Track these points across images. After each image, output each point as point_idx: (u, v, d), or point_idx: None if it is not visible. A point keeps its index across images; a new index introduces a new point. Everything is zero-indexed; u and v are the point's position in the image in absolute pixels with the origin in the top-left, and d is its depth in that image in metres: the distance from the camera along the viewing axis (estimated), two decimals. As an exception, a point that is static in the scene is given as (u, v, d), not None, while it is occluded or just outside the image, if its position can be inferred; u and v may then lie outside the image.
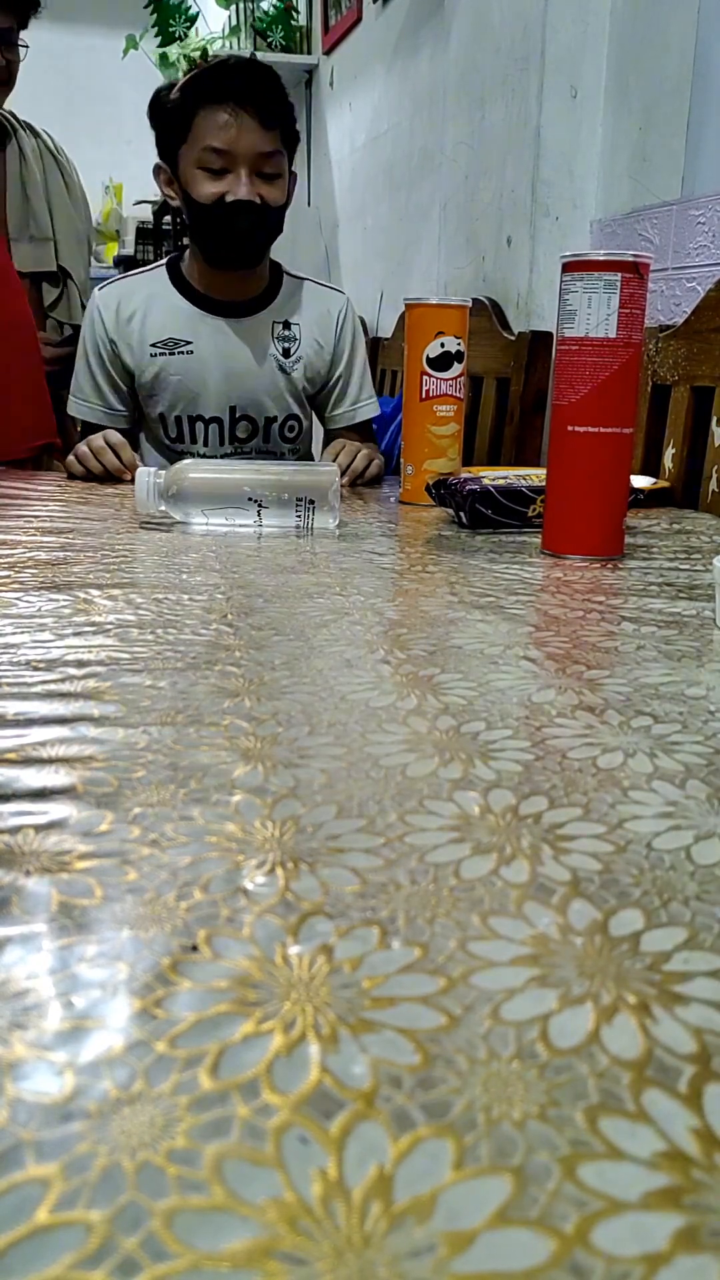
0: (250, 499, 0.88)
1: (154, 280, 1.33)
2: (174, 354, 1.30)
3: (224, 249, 1.24)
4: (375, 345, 2.17)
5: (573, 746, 0.38)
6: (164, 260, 1.35)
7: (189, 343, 1.30)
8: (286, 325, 1.34)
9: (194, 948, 0.25)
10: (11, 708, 0.41)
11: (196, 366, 1.30)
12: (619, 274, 0.72)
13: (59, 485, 1.14)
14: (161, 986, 0.23)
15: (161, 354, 1.30)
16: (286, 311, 1.34)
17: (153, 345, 1.30)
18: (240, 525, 0.88)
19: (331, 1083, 0.20)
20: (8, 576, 0.65)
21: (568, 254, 0.75)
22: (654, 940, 0.25)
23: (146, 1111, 0.19)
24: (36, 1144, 0.18)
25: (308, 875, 0.28)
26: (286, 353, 1.33)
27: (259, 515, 0.88)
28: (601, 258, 0.73)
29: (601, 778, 0.35)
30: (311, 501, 0.87)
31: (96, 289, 1.35)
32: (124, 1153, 0.18)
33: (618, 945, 0.25)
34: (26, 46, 1.57)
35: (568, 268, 0.74)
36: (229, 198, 1.18)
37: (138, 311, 1.31)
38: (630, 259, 0.72)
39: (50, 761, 0.35)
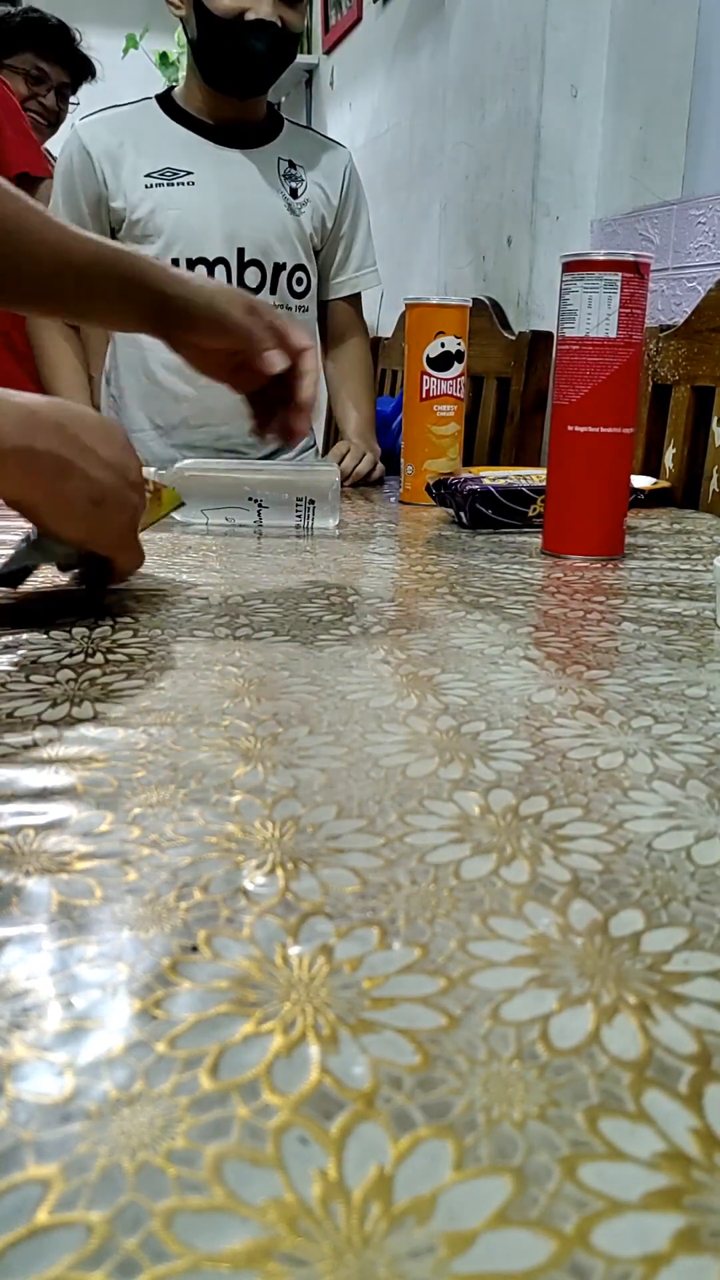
0: (250, 498, 0.88)
1: (143, 111, 1.23)
2: (173, 184, 1.20)
3: (239, 70, 1.16)
4: (376, 345, 2.17)
5: (573, 747, 0.38)
6: (150, 95, 1.26)
7: (189, 172, 1.20)
8: (293, 165, 1.26)
9: (194, 948, 0.24)
10: (10, 708, 0.41)
11: (198, 199, 1.20)
12: (619, 274, 0.72)
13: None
14: (161, 987, 0.23)
15: (159, 184, 1.20)
16: (292, 152, 1.26)
17: (147, 175, 1.19)
18: (240, 525, 0.88)
19: (331, 1083, 0.20)
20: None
21: (568, 254, 0.75)
22: (654, 941, 0.25)
23: (146, 1112, 0.19)
24: (36, 1144, 0.18)
25: (308, 875, 0.28)
26: (294, 193, 1.25)
27: (259, 515, 0.88)
28: (602, 257, 0.73)
29: (602, 778, 0.35)
30: (312, 501, 0.87)
31: (77, 121, 1.25)
32: (124, 1153, 0.18)
33: (618, 945, 0.25)
34: (77, 104, 1.76)
35: (568, 267, 0.74)
36: (250, 15, 1.11)
37: (128, 140, 1.20)
38: (630, 259, 0.72)
39: (50, 762, 0.35)
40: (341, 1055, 0.21)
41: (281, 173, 1.25)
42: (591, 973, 0.24)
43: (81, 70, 1.98)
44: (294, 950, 0.25)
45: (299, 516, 0.87)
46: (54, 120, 1.99)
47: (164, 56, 2.92)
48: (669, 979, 0.24)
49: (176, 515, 0.88)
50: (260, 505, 0.88)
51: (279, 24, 1.13)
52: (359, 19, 2.48)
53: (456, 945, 0.25)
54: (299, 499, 0.87)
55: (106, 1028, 0.22)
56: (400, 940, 0.25)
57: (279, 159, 1.26)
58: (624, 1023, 0.22)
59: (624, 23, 1.38)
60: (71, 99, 2.01)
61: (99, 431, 0.53)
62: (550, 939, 0.25)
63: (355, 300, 1.39)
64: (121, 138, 1.21)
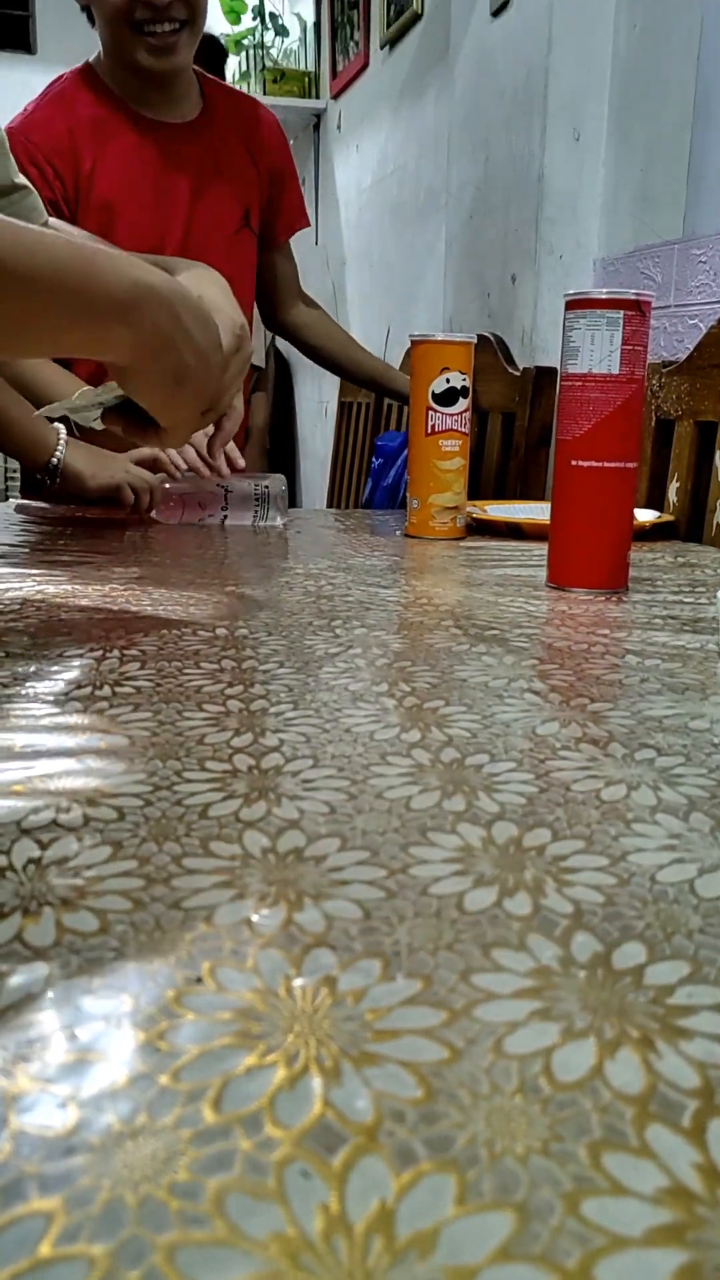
0: (220, 485, 1.09)
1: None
2: None
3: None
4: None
5: (576, 779, 0.38)
6: None
7: None
8: None
9: (198, 979, 0.25)
10: (19, 740, 0.41)
11: None
12: (621, 312, 0.73)
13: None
14: (165, 1019, 0.23)
15: None
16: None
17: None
18: (208, 518, 1.10)
19: (334, 1116, 0.20)
20: (15, 610, 0.65)
21: (571, 292, 0.76)
22: (657, 974, 0.25)
23: (149, 1145, 0.19)
24: (39, 1177, 0.18)
25: (311, 907, 0.28)
26: None
27: (225, 503, 1.09)
28: (604, 296, 0.74)
29: (605, 810, 0.35)
30: (267, 489, 1.09)
31: None
32: (126, 1186, 0.18)
33: (621, 979, 0.25)
34: None
35: (571, 305, 0.75)
36: None
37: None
38: (633, 297, 0.73)
39: (56, 794, 0.36)
40: (344, 1088, 0.21)
41: None
42: (594, 1006, 0.24)
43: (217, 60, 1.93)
44: (297, 982, 0.25)
45: (256, 511, 1.09)
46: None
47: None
48: (672, 1012, 0.24)
49: (155, 515, 1.09)
50: (227, 491, 1.09)
51: None
52: (365, 65, 2.53)
53: (459, 977, 0.25)
54: (257, 493, 1.09)
55: (110, 1060, 0.22)
56: (403, 972, 0.25)
57: None
58: (627, 1057, 0.22)
59: (624, 68, 1.40)
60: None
61: (199, 317, 0.56)
62: (553, 971, 0.25)
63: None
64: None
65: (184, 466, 1.10)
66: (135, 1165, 0.19)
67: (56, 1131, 0.20)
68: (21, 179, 0.81)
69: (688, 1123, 0.20)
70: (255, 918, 0.28)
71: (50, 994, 0.24)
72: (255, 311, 1.49)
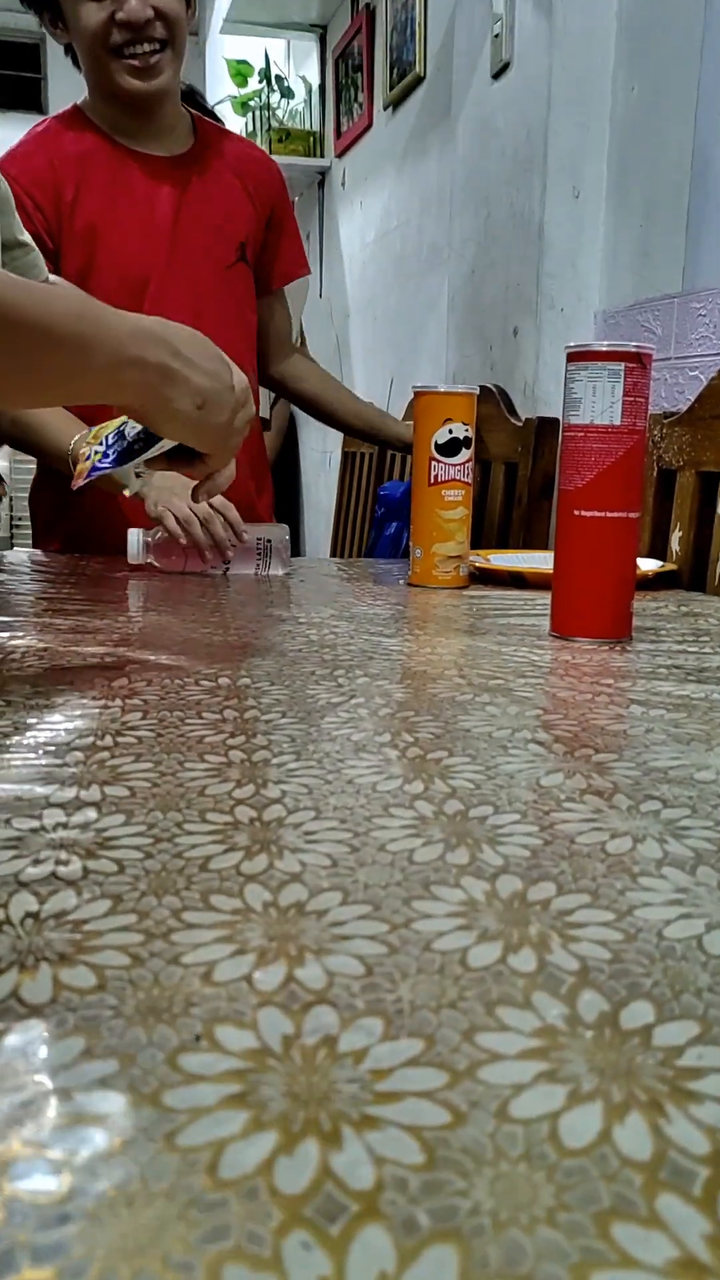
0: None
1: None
2: None
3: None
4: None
5: (581, 831, 0.38)
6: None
7: None
8: None
9: (197, 1038, 0.24)
10: (18, 790, 0.41)
11: None
12: (623, 364, 0.74)
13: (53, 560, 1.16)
14: (162, 1080, 0.22)
15: None
16: None
17: None
18: (210, 570, 1.11)
19: (334, 1184, 0.20)
20: (17, 658, 0.65)
21: (572, 344, 0.77)
22: (666, 1034, 0.25)
23: (144, 1213, 0.19)
24: (32, 1246, 0.18)
25: (313, 963, 0.28)
26: None
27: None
28: (605, 348, 0.75)
29: (610, 863, 0.35)
30: (269, 543, 1.11)
31: None
32: (120, 1257, 0.18)
33: (629, 1039, 0.25)
34: None
35: (572, 358, 0.76)
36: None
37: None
38: (633, 349, 0.74)
39: (56, 846, 0.35)
40: (345, 1153, 0.20)
41: None
42: (601, 1067, 0.23)
43: None
44: (298, 1041, 0.24)
45: (259, 562, 1.11)
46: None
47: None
48: (681, 1075, 0.23)
49: (157, 563, 1.09)
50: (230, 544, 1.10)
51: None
52: (369, 125, 2.58)
53: (463, 1037, 0.24)
54: (259, 544, 1.11)
55: (105, 1123, 0.21)
56: (405, 1031, 0.25)
57: None
58: (635, 1121, 0.21)
59: (623, 127, 1.43)
60: None
61: (195, 344, 0.60)
62: (559, 1031, 0.25)
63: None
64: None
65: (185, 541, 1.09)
66: (130, 1235, 0.18)
67: (50, 1198, 0.19)
68: (25, 236, 0.82)
69: (699, 1191, 0.20)
70: (256, 974, 0.27)
71: (45, 1054, 0.23)
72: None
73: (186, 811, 0.39)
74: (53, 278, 0.90)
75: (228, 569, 1.12)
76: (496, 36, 1.61)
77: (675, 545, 1.18)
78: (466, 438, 1.04)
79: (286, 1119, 0.21)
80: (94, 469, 0.69)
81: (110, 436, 0.68)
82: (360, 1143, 0.21)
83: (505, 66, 1.60)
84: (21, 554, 1.26)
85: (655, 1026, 0.25)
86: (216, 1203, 0.19)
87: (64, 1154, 0.20)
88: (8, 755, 0.45)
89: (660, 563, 1.15)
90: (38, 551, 1.30)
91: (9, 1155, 0.20)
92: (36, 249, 0.84)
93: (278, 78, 3.07)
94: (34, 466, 1.37)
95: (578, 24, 1.44)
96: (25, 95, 5.04)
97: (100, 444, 0.69)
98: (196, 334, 0.61)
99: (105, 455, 0.68)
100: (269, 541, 1.12)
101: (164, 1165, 0.20)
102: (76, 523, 1.33)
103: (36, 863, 0.34)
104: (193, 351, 0.59)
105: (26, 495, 1.45)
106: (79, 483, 0.72)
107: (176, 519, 1.07)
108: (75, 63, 1.28)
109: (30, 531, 1.44)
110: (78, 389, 0.57)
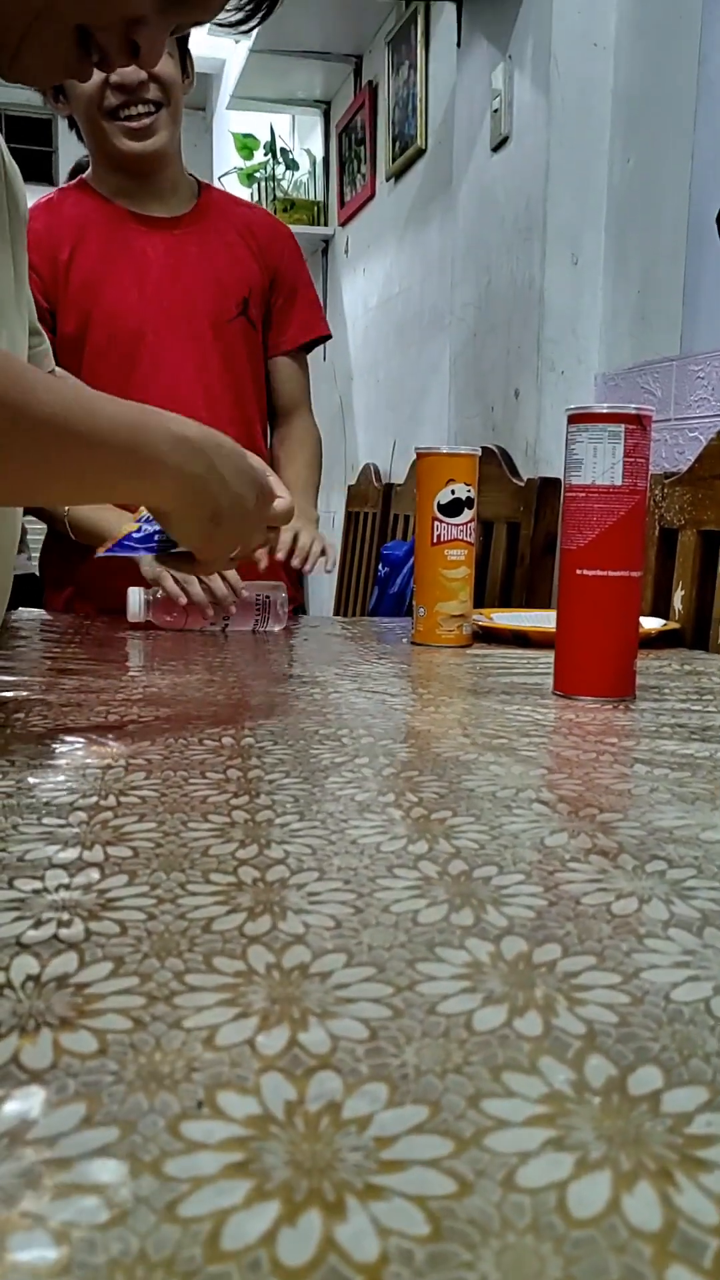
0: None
1: None
2: None
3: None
4: (388, 491, 2.23)
5: (586, 892, 0.38)
6: None
7: None
8: None
9: (199, 1104, 0.24)
10: (21, 850, 0.41)
11: None
12: (623, 425, 0.75)
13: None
14: (163, 1148, 0.22)
15: None
16: None
17: None
18: (210, 628, 1.12)
19: (338, 1256, 0.19)
20: (20, 718, 0.65)
21: (573, 406, 0.78)
22: (675, 1100, 0.24)
23: (143, 1286, 0.18)
24: (27, 1322, 0.17)
25: (316, 1026, 0.27)
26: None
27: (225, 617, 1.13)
28: (605, 410, 0.76)
29: (616, 924, 0.35)
30: (269, 600, 1.13)
31: None
32: (118, 1332, 0.17)
33: (637, 1105, 0.24)
34: None
35: (573, 419, 0.77)
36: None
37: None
38: (633, 411, 0.75)
39: (59, 908, 0.35)
40: (349, 1224, 0.20)
41: None
42: (610, 1134, 0.23)
43: None
44: (301, 1108, 0.24)
45: (258, 619, 1.13)
46: None
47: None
48: (691, 1143, 0.23)
49: (157, 620, 1.11)
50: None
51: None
52: (372, 195, 2.65)
53: (468, 1103, 0.24)
54: (259, 601, 1.13)
55: (106, 1192, 0.21)
56: (410, 1097, 0.24)
57: None
58: (645, 1191, 0.21)
59: (620, 197, 1.47)
60: None
61: (232, 463, 0.61)
62: (566, 1097, 0.24)
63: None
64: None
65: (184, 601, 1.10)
66: (129, 1309, 0.18)
67: (49, 1269, 0.19)
68: (39, 326, 0.85)
69: (709, 1263, 0.19)
70: (259, 1039, 0.27)
71: (45, 1121, 0.23)
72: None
73: (190, 872, 0.39)
74: (60, 371, 0.92)
75: (227, 625, 1.13)
76: (496, 111, 1.66)
77: (678, 604, 1.19)
78: (469, 498, 1.05)
79: (289, 1188, 0.21)
80: (121, 543, 0.71)
81: (145, 520, 0.70)
82: (365, 1213, 0.20)
83: (505, 140, 1.64)
84: (27, 614, 1.27)
85: (664, 1092, 0.25)
86: (218, 1275, 0.19)
87: (63, 1224, 0.20)
88: (11, 815, 0.45)
89: (663, 621, 1.15)
90: (43, 612, 1.31)
91: (8, 1225, 0.20)
92: (47, 340, 0.86)
93: (283, 150, 3.15)
94: (44, 528, 1.38)
95: (574, 99, 1.49)
96: (37, 168, 5.19)
97: (137, 522, 0.71)
98: (235, 449, 0.62)
99: (134, 535, 0.70)
100: (267, 598, 1.14)
101: (165, 1236, 0.20)
102: (83, 580, 1.35)
103: (38, 924, 0.34)
104: (227, 467, 0.60)
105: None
106: (102, 552, 0.74)
107: (174, 578, 1.08)
108: (79, 135, 1.32)
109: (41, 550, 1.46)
110: (116, 491, 0.58)
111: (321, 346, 1.57)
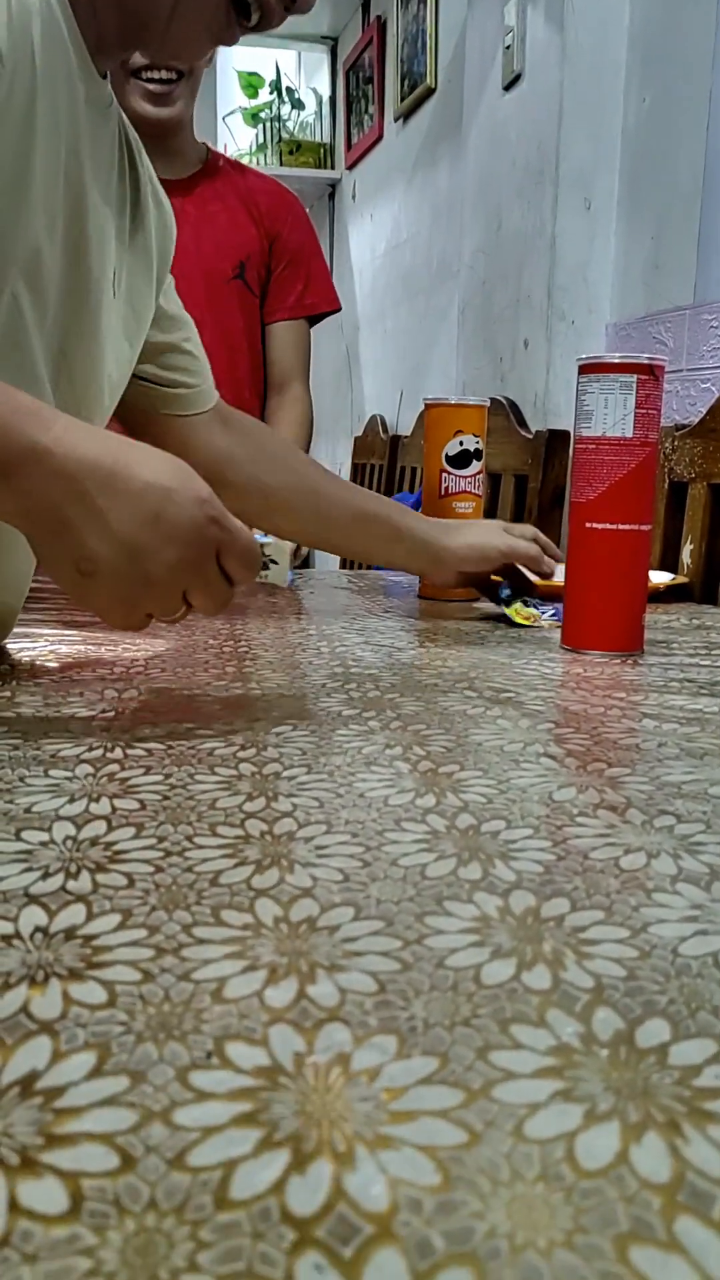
0: None
1: None
2: None
3: None
4: (395, 443, 2.21)
5: (595, 847, 0.38)
6: None
7: None
8: None
9: (208, 1056, 0.24)
10: (28, 803, 0.41)
11: None
12: (635, 376, 0.74)
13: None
14: (173, 1098, 0.22)
15: None
16: None
17: None
18: None
19: (348, 1205, 0.19)
20: (27, 669, 0.65)
21: (584, 356, 0.77)
22: (683, 1053, 0.24)
23: (155, 1236, 0.18)
24: (34, 1263, 0.18)
25: (325, 979, 0.27)
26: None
27: None
28: (617, 360, 0.75)
29: (624, 879, 0.35)
30: (274, 561, 1.09)
31: None
32: (129, 1278, 0.17)
33: (645, 1058, 0.24)
34: None
35: (584, 370, 0.76)
36: None
37: None
38: (645, 361, 0.74)
39: (65, 859, 0.35)
40: (359, 1174, 0.20)
41: None
42: (618, 1087, 0.23)
43: None
44: (310, 1059, 0.24)
45: (264, 572, 1.09)
46: None
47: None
48: (699, 1095, 0.23)
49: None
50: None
51: None
52: (380, 137, 2.59)
53: (477, 1055, 0.24)
54: (263, 554, 1.08)
55: (114, 1141, 0.21)
56: (419, 1049, 0.24)
57: None
58: (653, 1142, 0.21)
59: (635, 139, 1.43)
60: None
61: (127, 500, 0.46)
62: (574, 1050, 0.24)
63: None
64: None
65: None
66: (138, 1259, 0.18)
67: (60, 1215, 0.19)
68: (185, 314, 0.85)
69: (718, 1214, 0.19)
70: (267, 991, 0.27)
71: (55, 1070, 0.23)
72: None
73: (197, 825, 0.39)
74: None
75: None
76: (508, 48, 1.62)
77: (687, 558, 1.18)
78: (477, 449, 1.04)
79: (299, 1138, 0.21)
80: None
81: None
82: (374, 1163, 0.20)
83: (517, 78, 1.60)
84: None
85: (671, 1045, 0.25)
86: (228, 1224, 0.19)
87: (73, 1172, 0.20)
88: (18, 769, 0.45)
89: (671, 575, 1.14)
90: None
91: (19, 1173, 0.20)
92: (196, 334, 0.86)
93: (288, 89, 3.08)
94: None
95: (589, 35, 1.45)
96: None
97: None
98: (152, 492, 0.47)
99: None
100: (271, 557, 1.13)
101: (175, 1184, 0.20)
102: None
103: (46, 875, 0.34)
104: (125, 512, 0.46)
105: None
106: None
107: None
108: None
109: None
110: None
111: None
